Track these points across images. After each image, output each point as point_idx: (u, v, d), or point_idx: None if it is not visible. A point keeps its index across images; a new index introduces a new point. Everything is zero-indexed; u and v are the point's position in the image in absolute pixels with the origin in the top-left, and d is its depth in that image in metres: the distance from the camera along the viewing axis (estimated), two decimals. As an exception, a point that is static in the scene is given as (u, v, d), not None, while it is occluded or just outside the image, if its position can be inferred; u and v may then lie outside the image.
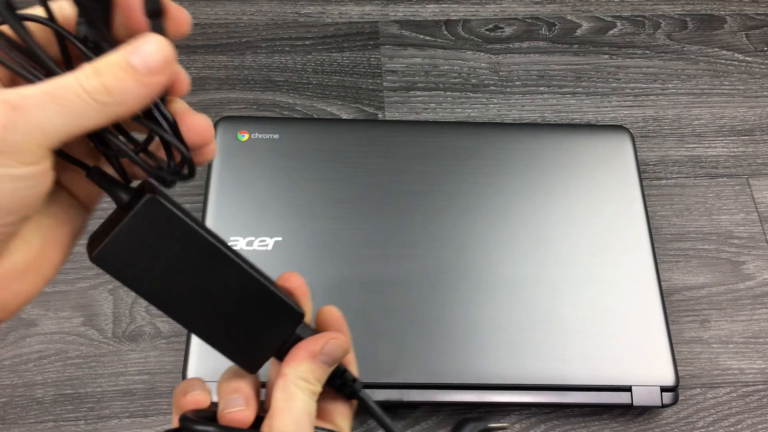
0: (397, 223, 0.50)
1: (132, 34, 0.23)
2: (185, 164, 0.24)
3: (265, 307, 0.28)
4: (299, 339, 0.29)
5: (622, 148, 0.55)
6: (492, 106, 0.62)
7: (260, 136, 0.53)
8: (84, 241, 0.53)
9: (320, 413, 0.31)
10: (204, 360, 0.45)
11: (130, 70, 0.21)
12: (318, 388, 0.29)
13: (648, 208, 0.54)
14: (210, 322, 0.27)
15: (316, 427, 0.29)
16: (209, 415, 0.29)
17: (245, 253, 0.48)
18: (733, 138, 0.62)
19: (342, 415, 0.32)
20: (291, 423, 0.28)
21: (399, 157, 0.53)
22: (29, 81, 0.22)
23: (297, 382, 0.29)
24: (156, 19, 0.22)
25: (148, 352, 0.50)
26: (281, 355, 0.29)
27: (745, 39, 0.67)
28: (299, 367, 0.29)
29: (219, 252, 0.26)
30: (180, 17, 0.23)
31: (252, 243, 0.49)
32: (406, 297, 0.48)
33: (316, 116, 0.60)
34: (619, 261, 0.50)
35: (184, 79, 0.24)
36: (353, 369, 0.32)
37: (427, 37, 0.66)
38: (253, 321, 0.28)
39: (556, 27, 0.67)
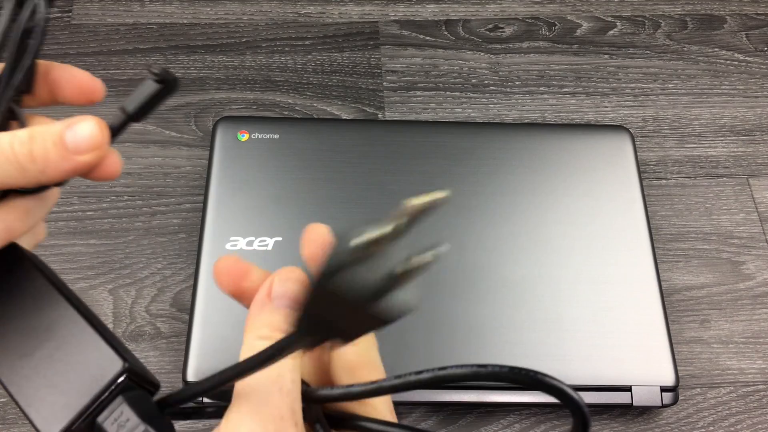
0: (397, 223, 0.50)
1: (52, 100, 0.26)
2: None
3: (80, 351, 0.23)
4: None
5: (622, 148, 0.55)
6: (492, 106, 0.62)
7: (260, 136, 0.53)
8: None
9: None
10: (204, 360, 0.45)
11: (60, 145, 0.23)
12: None
13: (648, 208, 0.54)
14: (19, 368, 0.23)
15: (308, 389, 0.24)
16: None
17: (245, 253, 0.49)
18: (733, 138, 0.62)
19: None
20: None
21: (399, 157, 0.53)
22: None
23: (254, 343, 0.25)
24: None
25: (148, 352, 0.50)
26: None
27: (745, 39, 0.67)
28: (253, 325, 0.25)
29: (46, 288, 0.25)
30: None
31: (252, 243, 0.49)
32: (406, 297, 0.48)
33: (316, 116, 0.60)
34: (619, 261, 0.50)
35: (115, 163, 0.25)
36: None
37: (427, 37, 0.66)
38: (65, 368, 0.23)
39: (556, 27, 0.67)
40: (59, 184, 0.25)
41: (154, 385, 0.25)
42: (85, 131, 0.23)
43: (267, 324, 0.25)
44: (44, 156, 0.22)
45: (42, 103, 0.27)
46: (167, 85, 0.24)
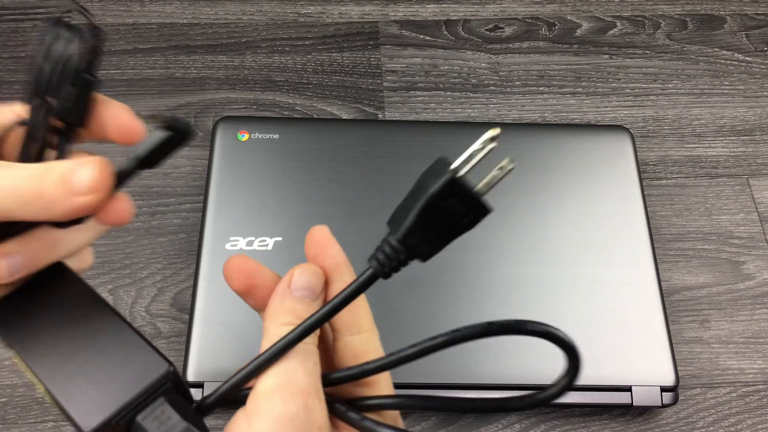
0: (397, 223, 0.50)
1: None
2: None
3: (125, 354, 0.24)
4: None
5: (622, 148, 0.55)
6: (492, 106, 0.62)
7: (260, 136, 0.53)
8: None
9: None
10: (204, 360, 0.45)
11: (63, 184, 0.22)
12: None
13: (648, 208, 0.54)
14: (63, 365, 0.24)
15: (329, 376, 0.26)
16: None
17: (245, 253, 0.48)
18: (733, 138, 0.62)
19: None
20: (277, 379, 0.25)
21: (399, 157, 0.53)
22: None
23: (276, 331, 0.26)
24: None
25: (148, 352, 0.50)
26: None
27: (745, 39, 0.67)
28: (276, 312, 0.26)
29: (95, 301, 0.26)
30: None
31: (252, 243, 0.49)
32: (407, 297, 0.48)
33: (316, 116, 0.60)
34: (619, 261, 0.50)
35: (122, 209, 0.24)
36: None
37: (427, 37, 0.66)
38: (108, 368, 0.24)
39: (556, 27, 0.67)
40: (77, 221, 0.24)
41: (190, 400, 0.25)
42: (86, 174, 0.22)
43: (289, 311, 0.26)
44: (50, 196, 0.22)
45: (94, 138, 0.26)
46: (177, 133, 0.24)
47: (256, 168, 0.52)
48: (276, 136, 0.53)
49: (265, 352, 0.25)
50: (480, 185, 0.24)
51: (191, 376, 0.45)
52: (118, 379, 0.24)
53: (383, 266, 0.26)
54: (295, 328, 0.25)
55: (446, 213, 0.25)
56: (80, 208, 0.23)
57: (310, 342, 0.26)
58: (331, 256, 0.29)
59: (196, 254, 0.49)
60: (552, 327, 0.23)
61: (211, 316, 0.46)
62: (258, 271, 0.29)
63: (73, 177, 0.22)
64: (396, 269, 0.26)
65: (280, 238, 0.49)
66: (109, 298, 0.51)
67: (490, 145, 0.25)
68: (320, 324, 0.25)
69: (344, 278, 0.29)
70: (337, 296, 0.26)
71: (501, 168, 0.25)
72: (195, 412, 0.25)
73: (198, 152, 0.58)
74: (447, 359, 0.46)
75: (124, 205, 0.24)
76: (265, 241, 0.49)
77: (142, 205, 0.55)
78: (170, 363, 0.24)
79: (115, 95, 0.60)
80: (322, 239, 0.29)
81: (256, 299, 0.29)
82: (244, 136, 0.53)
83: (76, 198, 0.22)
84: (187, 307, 0.50)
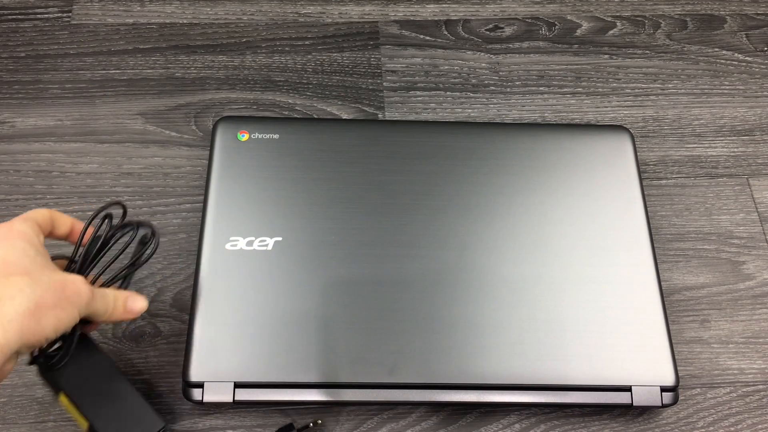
0: (397, 223, 0.50)
1: None
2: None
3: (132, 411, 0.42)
4: None
5: (622, 148, 0.55)
6: (492, 106, 0.62)
7: (260, 136, 0.53)
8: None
9: None
10: (204, 360, 0.45)
11: (127, 309, 0.42)
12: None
13: (648, 208, 0.54)
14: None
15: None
16: None
17: (245, 253, 0.49)
18: (733, 138, 0.62)
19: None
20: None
21: (399, 157, 0.53)
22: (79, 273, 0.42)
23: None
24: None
25: (148, 352, 0.50)
26: None
27: (745, 39, 0.67)
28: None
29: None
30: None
31: (252, 243, 0.49)
32: (406, 297, 0.48)
33: (316, 116, 0.60)
34: (619, 261, 0.50)
35: (142, 309, 0.43)
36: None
37: (427, 37, 0.66)
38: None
39: (556, 27, 0.67)
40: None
41: None
42: (140, 306, 0.42)
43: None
44: (118, 311, 0.41)
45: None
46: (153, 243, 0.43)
47: (256, 168, 0.52)
48: (276, 136, 0.53)
49: None
50: None
51: (191, 376, 0.45)
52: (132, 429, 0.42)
53: None
54: None
55: None
56: (126, 319, 0.42)
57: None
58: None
59: (196, 254, 0.49)
60: None
61: (211, 316, 0.46)
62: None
63: (131, 304, 0.42)
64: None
65: (280, 238, 0.49)
66: (109, 298, 0.51)
67: None
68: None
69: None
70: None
71: None
72: None
73: (198, 152, 0.58)
74: (448, 360, 0.46)
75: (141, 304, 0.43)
76: (265, 241, 0.49)
77: (142, 205, 0.55)
78: (163, 420, 0.42)
79: (115, 95, 0.61)
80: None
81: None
82: (244, 136, 0.53)
83: (129, 315, 0.42)
84: (187, 307, 0.50)
